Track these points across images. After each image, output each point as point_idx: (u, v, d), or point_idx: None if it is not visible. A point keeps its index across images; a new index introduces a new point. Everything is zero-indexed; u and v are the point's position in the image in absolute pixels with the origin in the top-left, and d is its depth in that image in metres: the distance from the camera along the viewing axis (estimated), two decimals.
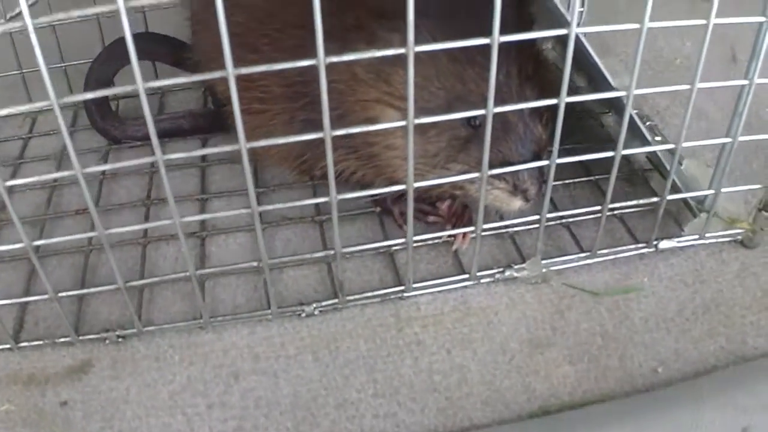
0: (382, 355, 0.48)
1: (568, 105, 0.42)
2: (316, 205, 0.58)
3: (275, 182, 0.62)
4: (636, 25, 0.43)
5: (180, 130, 0.64)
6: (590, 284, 0.53)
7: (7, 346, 0.50)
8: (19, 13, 0.68)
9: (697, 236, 0.55)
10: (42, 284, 0.54)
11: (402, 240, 0.48)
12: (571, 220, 0.55)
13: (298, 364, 0.48)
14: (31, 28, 0.36)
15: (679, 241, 0.54)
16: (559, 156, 0.45)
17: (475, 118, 0.46)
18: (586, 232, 0.56)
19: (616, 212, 0.57)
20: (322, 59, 0.38)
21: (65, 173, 0.42)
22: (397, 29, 0.45)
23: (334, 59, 0.38)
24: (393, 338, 0.49)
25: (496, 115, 0.41)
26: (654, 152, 0.59)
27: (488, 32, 0.39)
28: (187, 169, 0.63)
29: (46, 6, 0.66)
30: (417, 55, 0.42)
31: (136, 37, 0.66)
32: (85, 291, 0.50)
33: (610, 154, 0.47)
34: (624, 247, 0.54)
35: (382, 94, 0.46)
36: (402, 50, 0.39)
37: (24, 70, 0.70)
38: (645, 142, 0.55)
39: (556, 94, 0.42)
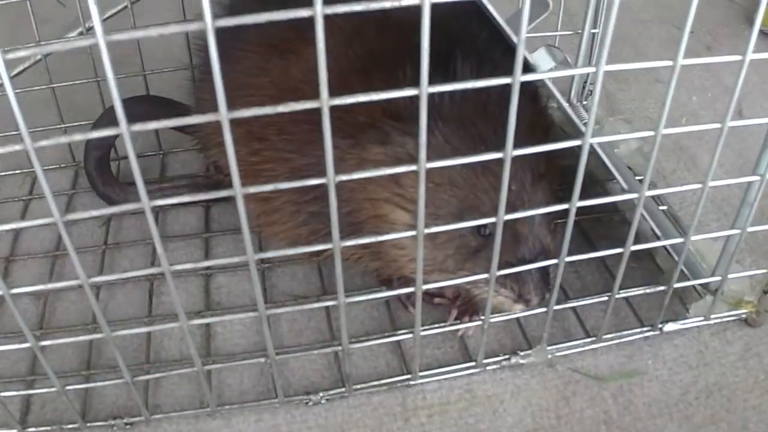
0: None
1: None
2: (322, 282, 0.58)
3: (280, 258, 0.61)
4: (650, 133, 0.42)
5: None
6: (595, 368, 0.53)
7: (14, 431, 0.51)
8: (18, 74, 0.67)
9: (702, 318, 0.55)
10: (48, 361, 0.55)
11: (410, 335, 0.48)
12: (575, 305, 0.55)
13: None
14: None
15: (683, 324, 0.55)
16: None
17: (485, 227, 0.46)
18: (591, 311, 0.56)
19: (622, 293, 0.57)
20: (332, 178, 0.38)
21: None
22: (410, 132, 0.45)
23: (344, 178, 0.38)
24: (400, 429, 0.50)
25: (505, 226, 0.41)
26: (659, 225, 0.59)
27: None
28: (191, 239, 0.63)
29: (43, 67, 0.66)
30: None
31: (138, 99, 0.66)
32: (92, 385, 0.50)
33: (619, 250, 0.48)
34: (629, 331, 0.54)
35: (392, 195, 0.46)
36: (413, 167, 0.39)
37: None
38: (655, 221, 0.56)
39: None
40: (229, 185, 0.36)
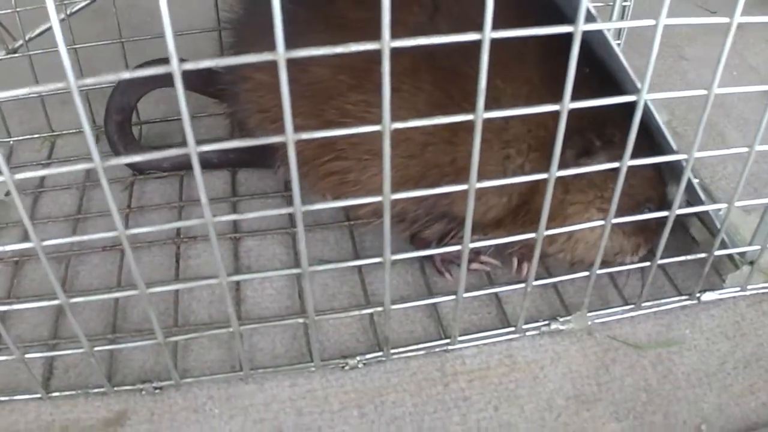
0: (429, 411, 0.48)
1: None
2: (354, 246, 0.57)
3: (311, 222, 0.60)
4: (703, 91, 0.42)
5: (208, 163, 0.63)
6: (633, 336, 0.53)
7: (38, 395, 0.49)
8: (40, 34, 0.66)
9: (738, 288, 0.55)
10: (71, 327, 0.53)
11: (450, 298, 0.47)
12: (613, 269, 0.54)
13: (342, 420, 0.47)
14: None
15: (720, 294, 0.55)
16: None
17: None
18: (628, 280, 0.56)
19: (663, 261, 0.56)
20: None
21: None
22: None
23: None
24: (439, 393, 0.49)
25: None
26: (694, 198, 0.59)
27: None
28: (219, 203, 0.62)
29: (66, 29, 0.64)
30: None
31: (163, 62, 0.65)
32: (122, 346, 0.48)
33: (664, 213, 0.47)
34: (667, 299, 0.54)
35: (594, 199, 0.49)
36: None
37: (43, 94, 0.67)
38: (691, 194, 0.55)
39: None
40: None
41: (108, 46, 0.68)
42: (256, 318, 0.53)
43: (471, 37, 0.34)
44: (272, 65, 0.53)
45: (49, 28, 0.64)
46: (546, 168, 0.39)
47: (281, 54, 0.35)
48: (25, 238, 0.60)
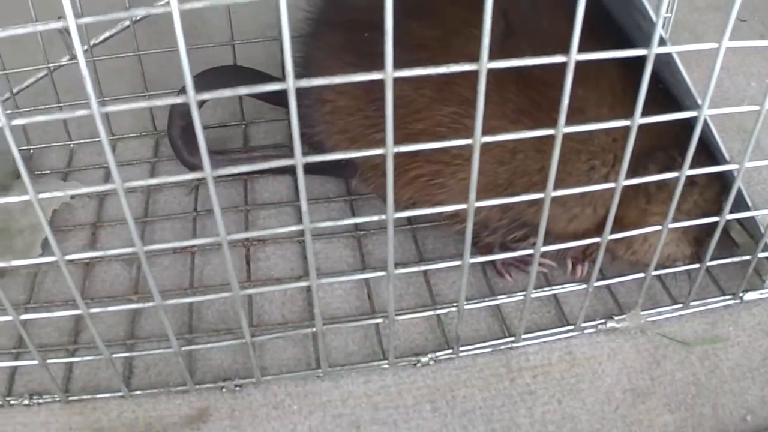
0: (497, 405, 0.52)
1: None
2: (418, 250, 0.61)
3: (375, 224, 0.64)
4: (756, 107, 0.46)
5: (273, 168, 0.66)
6: (681, 334, 0.57)
7: (120, 393, 0.52)
8: (104, 40, 0.68)
9: None
10: (148, 326, 0.57)
11: (519, 297, 0.52)
12: (664, 272, 0.59)
13: (417, 414, 0.52)
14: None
15: (761, 293, 0.59)
16: None
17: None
18: (673, 280, 0.60)
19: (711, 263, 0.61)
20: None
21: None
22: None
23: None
24: (506, 388, 0.53)
25: None
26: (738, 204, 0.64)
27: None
28: (283, 207, 0.65)
29: (131, 37, 0.67)
30: None
31: (225, 70, 0.68)
32: (207, 346, 0.52)
33: (714, 219, 0.52)
34: (713, 299, 0.58)
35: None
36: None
37: (105, 98, 0.71)
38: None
39: None
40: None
41: (164, 53, 0.71)
42: (328, 318, 0.57)
43: (558, 59, 0.37)
44: (351, 89, 0.57)
45: (113, 35, 0.67)
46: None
47: (389, 73, 0.38)
48: (93, 241, 0.63)
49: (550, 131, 0.41)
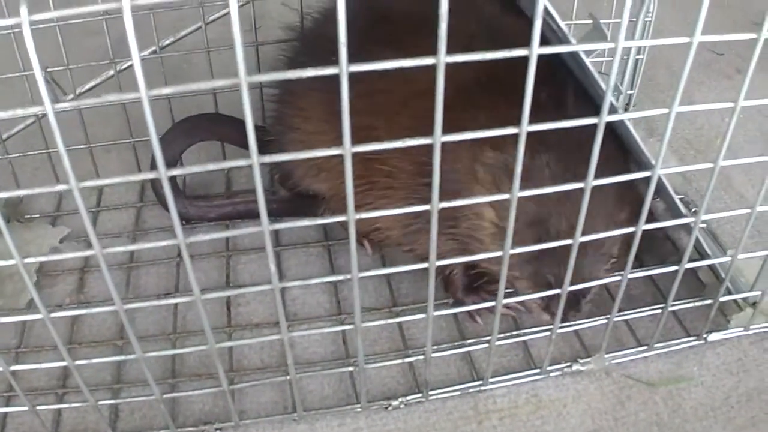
0: None
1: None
2: (392, 294, 0.65)
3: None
4: (710, 165, 0.49)
5: (252, 213, 0.70)
6: (646, 375, 0.61)
7: None
8: (87, 91, 0.72)
9: (742, 328, 0.63)
10: (133, 371, 0.60)
11: (484, 345, 0.55)
12: (630, 317, 0.62)
13: None
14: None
15: (725, 334, 0.63)
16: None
17: (545, 238, 0.53)
18: (640, 322, 0.63)
19: (673, 306, 0.64)
20: (435, 206, 0.44)
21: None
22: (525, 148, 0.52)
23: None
24: (474, 430, 0.56)
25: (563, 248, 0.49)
26: (699, 239, 0.67)
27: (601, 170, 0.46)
28: (262, 252, 0.69)
29: (116, 84, 0.71)
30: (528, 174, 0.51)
31: (207, 117, 0.72)
32: (190, 393, 0.56)
33: (674, 268, 0.55)
34: (678, 341, 0.62)
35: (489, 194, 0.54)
36: (506, 195, 0.45)
37: (92, 145, 0.75)
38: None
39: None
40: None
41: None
42: (304, 362, 0.60)
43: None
44: (318, 114, 0.61)
45: (99, 84, 0.71)
46: None
47: (347, 149, 0.41)
48: (81, 286, 0.67)
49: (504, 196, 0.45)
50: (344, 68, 0.38)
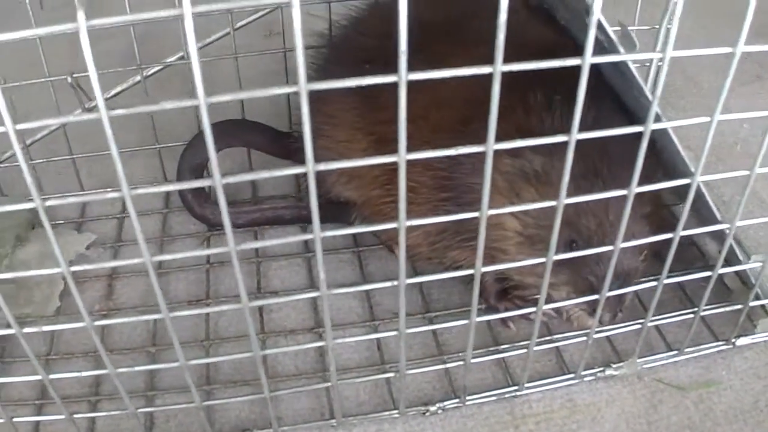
0: None
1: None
2: (424, 299, 0.65)
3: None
4: (746, 172, 0.51)
5: (280, 219, 0.70)
6: (676, 379, 0.62)
7: None
8: (113, 96, 0.72)
9: None
10: (167, 378, 0.61)
11: (521, 350, 0.56)
12: (661, 322, 0.63)
13: None
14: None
15: (753, 338, 0.64)
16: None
17: (575, 242, 0.54)
18: (669, 327, 0.65)
19: (704, 312, 0.65)
20: (485, 214, 0.45)
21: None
22: (541, 152, 0.53)
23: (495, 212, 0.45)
24: None
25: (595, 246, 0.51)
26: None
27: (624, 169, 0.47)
28: (293, 258, 0.69)
29: (142, 91, 0.71)
30: (548, 179, 0.53)
31: (233, 123, 0.72)
32: (231, 399, 0.56)
33: (707, 273, 0.56)
34: (707, 345, 0.63)
35: (509, 204, 0.54)
36: (553, 203, 0.46)
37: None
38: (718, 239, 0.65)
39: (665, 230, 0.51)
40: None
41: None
42: (339, 368, 0.61)
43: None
44: (349, 121, 0.62)
45: (125, 90, 0.71)
46: None
47: (402, 156, 0.42)
48: (109, 292, 0.67)
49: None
50: (403, 77, 0.39)
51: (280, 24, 0.74)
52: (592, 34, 0.39)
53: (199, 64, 0.36)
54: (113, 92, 0.70)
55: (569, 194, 0.55)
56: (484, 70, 0.39)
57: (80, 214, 0.74)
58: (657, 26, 0.72)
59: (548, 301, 0.56)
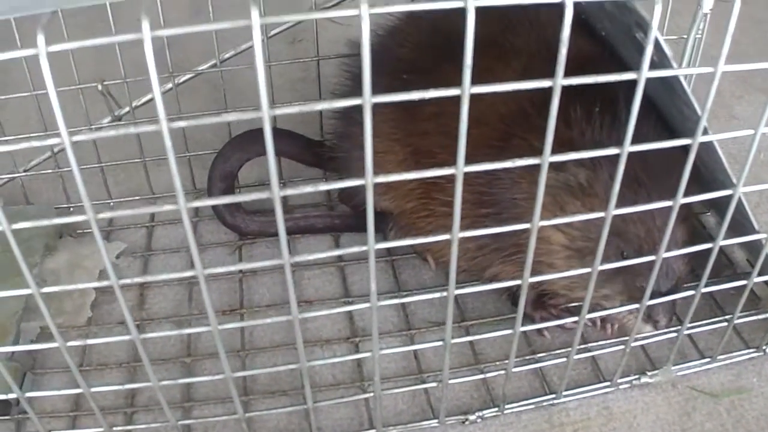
0: None
1: None
2: (459, 308, 0.66)
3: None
4: None
5: (312, 228, 0.71)
6: (709, 386, 0.63)
7: None
8: (145, 103, 0.72)
9: None
10: (202, 389, 0.61)
11: (559, 359, 0.57)
12: (694, 331, 0.64)
13: None
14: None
15: None
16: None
17: (625, 251, 0.55)
18: (700, 335, 0.66)
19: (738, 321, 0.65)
20: (536, 224, 0.46)
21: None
22: (584, 164, 0.54)
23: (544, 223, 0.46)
24: None
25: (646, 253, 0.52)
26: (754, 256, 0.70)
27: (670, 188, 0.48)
28: (326, 267, 0.70)
29: (174, 98, 0.71)
30: (593, 191, 0.54)
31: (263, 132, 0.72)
32: (272, 411, 0.56)
33: (742, 283, 0.57)
34: (737, 352, 0.64)
35: (554, 218, 0.55)
36: (601, 214, 0.47)
37: (146, 158, 0.75)
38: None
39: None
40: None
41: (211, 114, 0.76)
42: (380, 378, 0.61)
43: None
44: (387, 132, 0.62)
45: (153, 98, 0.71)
46: None
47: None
48: (141, 302, 0.67)
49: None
50: (467, 90, 0.40)
51: (305, 32, 0.75)
52: (649, 49, 0.40)
53: (264, 76, 0.36)
54: (143, 100, 0.70)
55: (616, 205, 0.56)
56: (545, 83, 0.40)
57: (108, 223, 0.74)
58: (684, 36, 0.73)
59: (595, 310, 0.57)
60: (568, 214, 0.55)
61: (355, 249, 0.46)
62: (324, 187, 0.43)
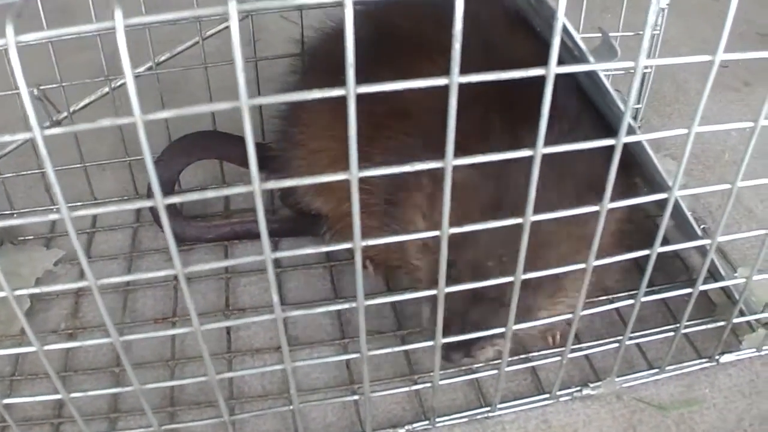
0: None
1: None
2: (397, 318, 0.64)
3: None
4: (727, 186, 0.49)
5: (250, 233, 0.69)
6: (657, 398, 0.60)
7: None
8: (81, 108, 0.71)
9: (754, 349, 0.62)
10: (130, 400, 0.59)
11: (493, 370, 0.54)
12: (641, 340, 0.61)
13: None
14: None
15: (737, 355, 0.62)
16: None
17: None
18: (650, 344, 0.63)
19: (686, 329, 0.63)
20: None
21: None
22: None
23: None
24: None
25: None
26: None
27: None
28: (263, 274, 0.68)
29: (111, 100, 0.70)
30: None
31: (207, 135, 0.71)
32: (191, 423, 0.55)
33: (688, 290, 0.54)
34: (689, 362, 0.61)
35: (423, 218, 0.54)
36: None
37: (87, 164, 0.74)
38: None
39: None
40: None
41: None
42: (307, 389, 0.59)
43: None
44: (324, 131, 0.61)
45: (93, 101, 0.70)
46: None
47: (354, 174, 0.40)
48: (76, 310, 0.66)
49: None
50: (351, 89, 0.37)
51: (261, 32, 0.73)
52: (556, 41, 0.37)
53: (242, 65, 0.34)
54: (81, 104, 0.69)
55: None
56: (440, 81, 0.37)
57: (50, 230, 0.73)
58: (641, 32, 0.70)
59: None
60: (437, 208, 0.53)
61: (247, 260, 0.45)
62: (211, 194, 0.41)
